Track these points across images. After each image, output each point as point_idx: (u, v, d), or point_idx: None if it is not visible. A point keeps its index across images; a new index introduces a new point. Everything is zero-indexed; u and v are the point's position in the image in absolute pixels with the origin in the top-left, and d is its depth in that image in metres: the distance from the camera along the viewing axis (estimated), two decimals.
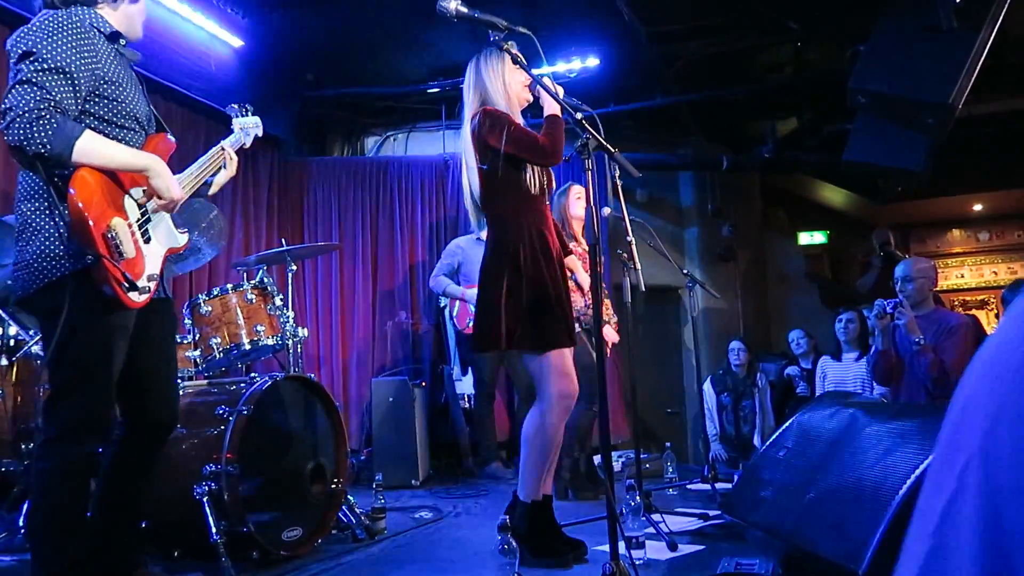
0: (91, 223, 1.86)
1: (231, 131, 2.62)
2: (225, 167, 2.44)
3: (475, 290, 4.17)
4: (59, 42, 1.91)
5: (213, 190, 2.47)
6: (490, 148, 2.65)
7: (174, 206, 2.14)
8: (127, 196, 2.04)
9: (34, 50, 1.88)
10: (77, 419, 1.97)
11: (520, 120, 2.77)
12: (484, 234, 2.86)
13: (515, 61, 2.56)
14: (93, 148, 1.91)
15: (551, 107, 2.68)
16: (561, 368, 2.64)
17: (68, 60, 1.91)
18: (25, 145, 1.81)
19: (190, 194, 2.30)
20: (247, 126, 2.64)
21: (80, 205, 1.85)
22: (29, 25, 1.95)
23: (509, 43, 2.46)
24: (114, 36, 2.12)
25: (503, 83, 2.73)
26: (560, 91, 2.60)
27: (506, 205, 2.71)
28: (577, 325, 4.03)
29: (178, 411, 2.35)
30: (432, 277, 5.12)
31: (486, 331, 2.67)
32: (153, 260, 2.08)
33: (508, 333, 2.60)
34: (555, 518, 2.76)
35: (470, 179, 2.76)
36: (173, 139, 2.26)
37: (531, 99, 2.82)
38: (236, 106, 2.68)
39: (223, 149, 2.42)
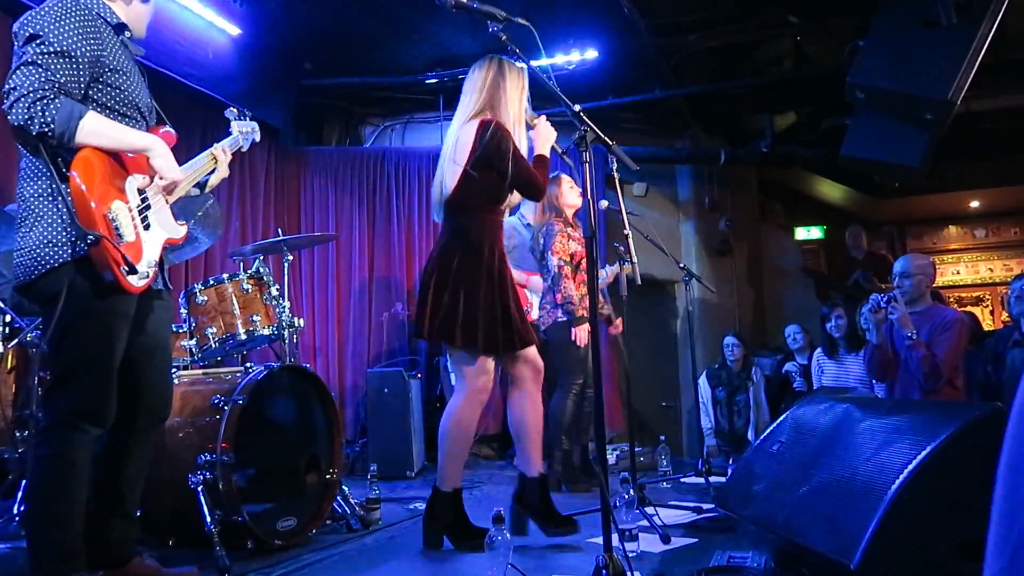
0: (93, 204, 1.87)
1: (229, 131, 2.62)
2: (217, 169, 2.44)
3: (538, 278, 4.27)
4: (66, 26, 1.94)
5: (206, 190, 2.48)
6: (489, 164, 2.71)
7: (174, 187, 2.15)
8: (129, 181, 2.05)
9: (41, 33, 1.91)
10: (77, 407, 1.97)
11: (521, 142, 2.83)
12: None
13: (516, 57, 2.58)
14: (97, 128, 1.93)
15: (542, 146, 2.81)
16: (485, 367, 2.77)
17: (73, 44, 1.93)
18: (28, 125, 1.83)
19: (185, 191, 2.30)
20: (245, 131, 2.64)
21: (83, 187, 1.87)
22: (38, 8, 1.97)
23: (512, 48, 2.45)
24: (120, 27, 2.14)
25: (518, 103, 2.81)
26: (552, 135, 2.82)
27: (476, 210, 2.80)
28: (571, 313, 4.01)
29: (171, 401, 2.35)
30: None
31: (448, 325, 2.70)
32: (152, 247, 2.08)
33: (463, 329, 2.68)
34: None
35: (446, 172, 2.83)
36: (174, 132, 2.26)
37: (527, 127, 2.90)
38: (235, 110, 2.68)
39: (213, 155, 2.41)
